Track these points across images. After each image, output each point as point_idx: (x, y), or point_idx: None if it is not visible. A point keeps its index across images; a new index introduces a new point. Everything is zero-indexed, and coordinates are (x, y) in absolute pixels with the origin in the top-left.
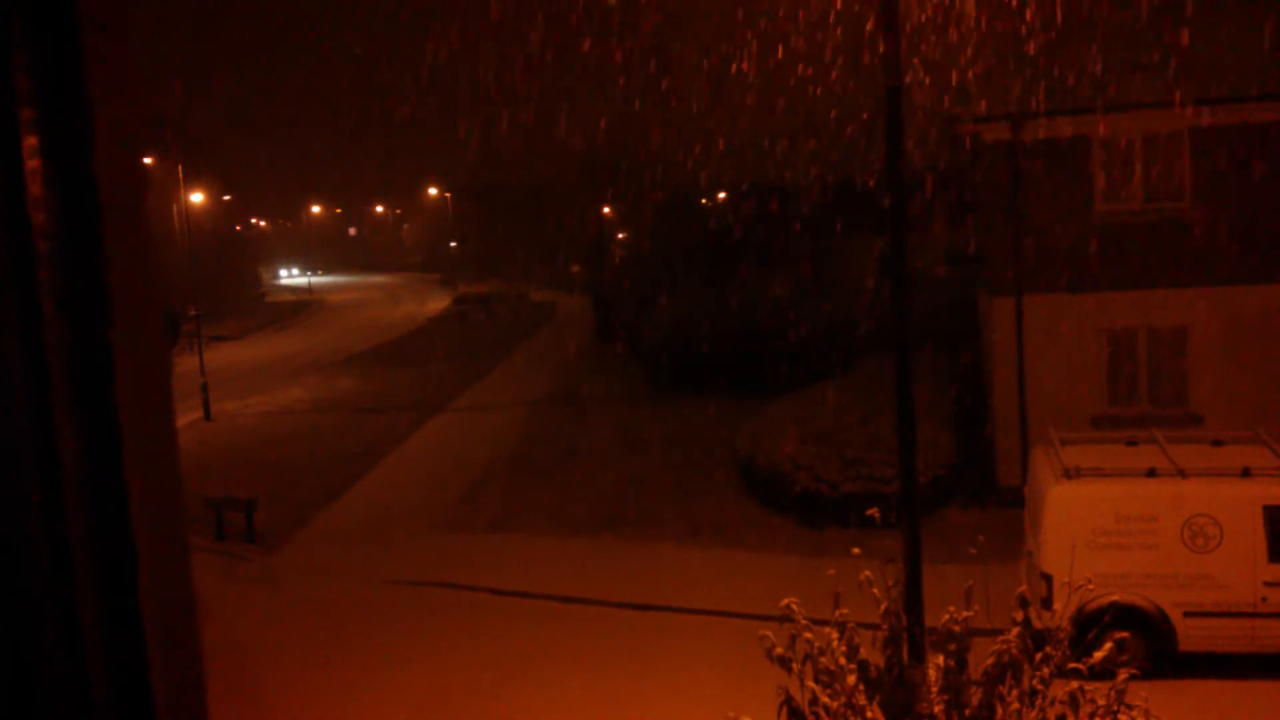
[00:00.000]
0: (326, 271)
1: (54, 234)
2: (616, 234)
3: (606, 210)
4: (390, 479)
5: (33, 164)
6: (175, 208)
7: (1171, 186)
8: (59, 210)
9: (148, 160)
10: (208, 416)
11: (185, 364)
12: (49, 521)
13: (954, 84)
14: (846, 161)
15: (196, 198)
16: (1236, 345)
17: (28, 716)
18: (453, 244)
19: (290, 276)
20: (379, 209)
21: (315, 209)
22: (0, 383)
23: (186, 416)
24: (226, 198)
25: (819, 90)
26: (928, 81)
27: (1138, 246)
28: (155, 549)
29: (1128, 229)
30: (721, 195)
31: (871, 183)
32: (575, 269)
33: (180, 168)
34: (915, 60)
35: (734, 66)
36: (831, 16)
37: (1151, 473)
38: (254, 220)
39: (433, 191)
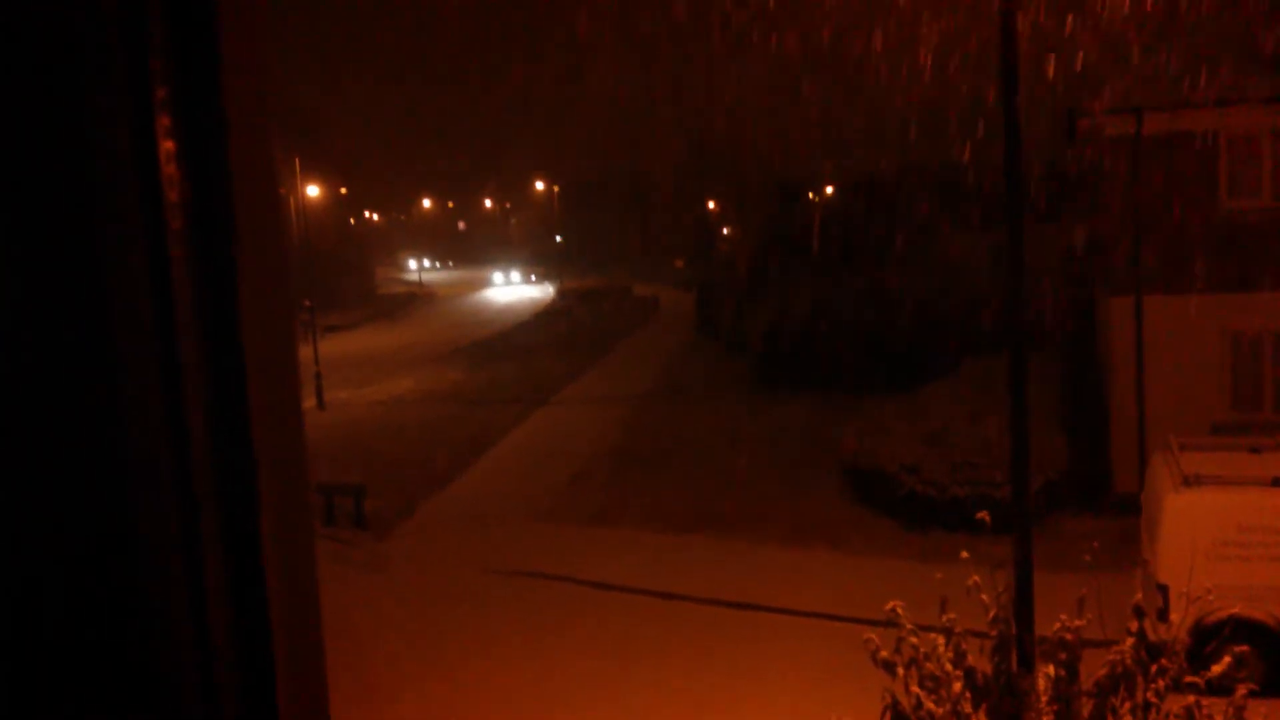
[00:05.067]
0: (542, 277)
1: (187, 211)
2: (721, 228)
3: (711, 205)
4: (496, 469)
5: (167, 144)
6: (292, 199)
7: None
8: (192, 188)
9: None
10: (321, 405)
11: (300, 353)
12: (180, 505)
13: (1075, 75)
14: (960, 154)
15: (313, 190)
16: None
17: (153, 685)
18: (558, 238)
19: (509, 283)
20: (488, 203)
21: (426, 203)
22: (132, 363)
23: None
24: (343, 190)
25: (931, 80)
26: (1048, 73)
27: (1264, 246)
28: (282, 537)
29: (1254, 227)
30: (829, 189)
31: (987, 177)
32: (679, 264)
33: (298, 160)
34: (1033, 46)
35: (840, 53)
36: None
37: (1276, 482)
38: (367, 213)
39: (540, 186)
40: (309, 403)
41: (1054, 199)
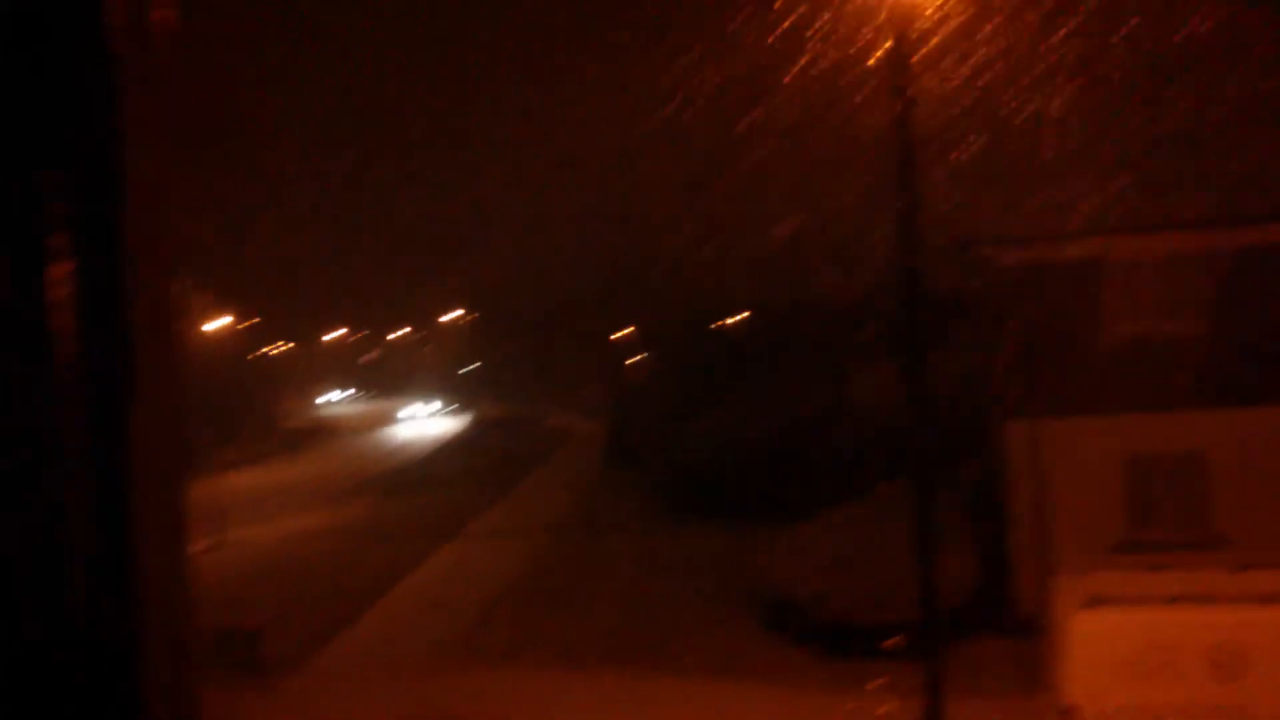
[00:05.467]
0: (456, 407)
1: (82, 365)
2: (631, 357)
3: (624, 332)
4: (400, 608)
5: (57, 293)
6: (195, 332)
7: (1186, 307)
8: (87, 342)
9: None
10: (219, 544)
11: (199, 490)
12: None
13: (967, 205)
14: (864, 282)
15: (218, 322)
16: (1260, 467)
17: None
18: (471, 367)
19: (421, 413)
20: (403, 331)
21: (340, 331)
22: (24, 492)
23: (197, 544)
24: (250, 321)
25: (832, 212)
26: (940, 204)
27: (1153, 368)
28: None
29: (1142, 351)
30: (743, 314)
31: (887, 302)
32: (591, 392)
33: (205, 293)
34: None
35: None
36: (843, 136)
37: (1175, 599)
38: (279, 343)
39: (451, 316)
40: (207, 541)
41: (949, 325)
